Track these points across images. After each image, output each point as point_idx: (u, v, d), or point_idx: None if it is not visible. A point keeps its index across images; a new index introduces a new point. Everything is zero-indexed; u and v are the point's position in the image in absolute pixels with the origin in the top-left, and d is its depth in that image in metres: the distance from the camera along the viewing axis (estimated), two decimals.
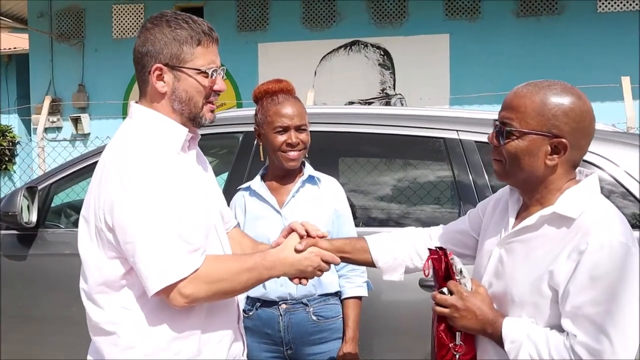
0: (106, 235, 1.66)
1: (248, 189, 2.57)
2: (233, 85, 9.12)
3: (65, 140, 10.00)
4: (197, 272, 1.63)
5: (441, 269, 1.70)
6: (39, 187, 3.43)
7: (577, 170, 1.64)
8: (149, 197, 1.60)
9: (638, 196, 2.74)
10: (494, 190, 2.84)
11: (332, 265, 1.96)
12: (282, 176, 2.54)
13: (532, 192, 1.63)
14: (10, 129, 11.72)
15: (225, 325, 1.82)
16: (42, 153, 8.17)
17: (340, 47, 9.31)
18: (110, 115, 9.65)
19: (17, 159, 11.42)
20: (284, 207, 2.48)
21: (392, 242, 1.98)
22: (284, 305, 2.45)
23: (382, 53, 9.21)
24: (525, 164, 1.58)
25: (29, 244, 3.42)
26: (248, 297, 2.50)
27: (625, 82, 6.57)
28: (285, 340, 2.46)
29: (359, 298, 2.53)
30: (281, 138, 2.44)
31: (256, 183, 2.55)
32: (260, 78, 9.13)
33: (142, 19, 9.90)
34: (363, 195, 3.41)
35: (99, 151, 3.42)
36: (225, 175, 3.41)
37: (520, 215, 1.67)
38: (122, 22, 10.06)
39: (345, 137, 3.27)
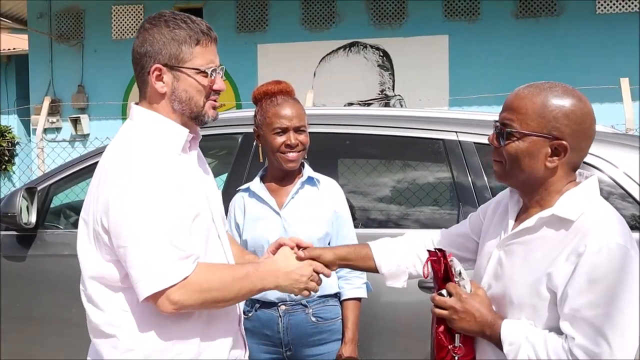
0: (103, 237, 1.65)
1: (247, 190, 2.57)
2: (232, 86, 9.11)
3: (64, 140, 9.99)
4: (187, 280, 1.61)
5: (440, 270, 1.70)
6: (39, 188, 3.43)
7: (577, 172, 1.64)
8: (142, 202, 1.59)
9: (637, 198, 2.74)
10: (493, 191, 2.84)
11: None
12: (281, 177, 2.54)
13: (532, 194, 1.62)
14: (10, 129, 11.73)
15: (226, 327, 1.81)
16: (42, 154, 8.16)
17: (339, 48, 9.31)
18: (109, 116, 9.65)
19: (16, 160, 11.42)
20: (283, 209, 2.48)
21: (395, 248, 1.98)
22: (283, 307, 2.45)
23: (381, 54, 9.21)
24: (525, 165, 1.58)
25: (28, 245, 3.41)
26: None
27: (624, 83, 6.57)
28: (285, 341, 2.46)
29: (359, 299, 2.53)
30: (280, 139, 2.44)
31: (255, 184, 2.55)
32: (259, 79, 9.14)
33: (141, 19, 9.89)
34: (362, 196, 3.41)
35: (98, 152, 3.42)
36: (224, 177, 3.41)
37: (520, 217, 1.67)
38: (121, 22, 10.06)
39: (345, 139, 3.27)
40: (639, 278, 1.47)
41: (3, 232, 3.44)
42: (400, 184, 3.44)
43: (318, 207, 2.49)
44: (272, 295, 2.43)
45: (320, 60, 9.36)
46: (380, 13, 9.17)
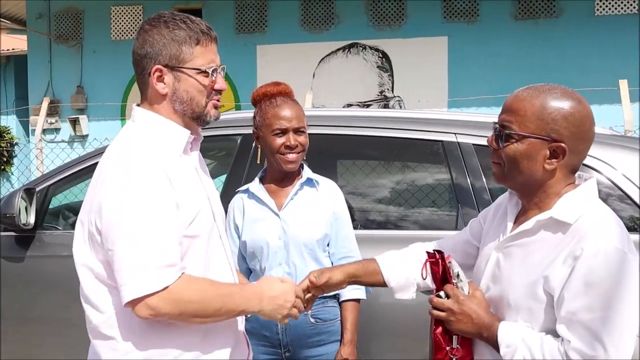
0: (96, 238, 1.65)
1: (246, 191, 2.57)
2: (231, 87, 9.11)
3: (63, 141, 9.99)
4: (169, 289, 1.59)
5: (438, 272, 1.70)
6: (37, 189, 3.42)
7: (576, 174, 1.64)
8: (133, 207, 1.59)
9: (636, 200, 2.74)
10: (492, 193, 2.84)
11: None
12: (280, 179, 2.54)
13: (531, 196, 1.63)
14: (9, 130, 11.72)
15: (228, 328, 1.80)
16: (40, 154, 8.16)
17: (338, 50, 9.32)
18: (108, 117, 9.64)
19: (15, 160, 11.39)
20: (282, 210, 2.48)
21: (401, 261, 1.99)
22: None
23: (380, 55, 9.22)
24: (524, 167, 1.58)
25: (27, 246, 3.41)
26: None
27: (623, 85, 6.58)
28: (284, 342, 2.46)
29: (357, 300, 2.53)
30: (279, 140, 2.44)
31: (255, 186, 2.55)
32: (258, 80, 9.14)
33: (140, 20, 9.90)
34: (361, 197, 3.41)
35: (97, 153, 3.42)
36: (223, 178, 3.41)
37: (519, 219, 1.67)
38: (120, 23, 10.06)
39: (344, 140, 3.27)
40: (636, 282, 1.47)
41: (2, 233, 3.44)
42: (399, 186, 3.45)
43: (317, 209, 2.49)
44: None
45: (320, 62, 9.36)
46: (380, 14, 9.18)
